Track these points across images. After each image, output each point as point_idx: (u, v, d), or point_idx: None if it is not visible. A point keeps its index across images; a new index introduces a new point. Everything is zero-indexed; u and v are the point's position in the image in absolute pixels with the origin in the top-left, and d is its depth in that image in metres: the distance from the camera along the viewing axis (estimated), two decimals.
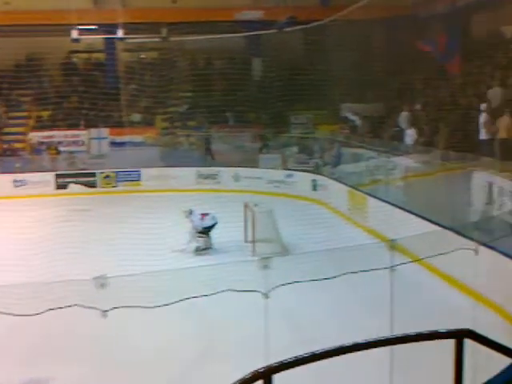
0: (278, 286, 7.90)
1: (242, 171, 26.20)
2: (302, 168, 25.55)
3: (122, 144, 28.92)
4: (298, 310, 11.71)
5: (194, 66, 32.67)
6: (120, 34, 28.07)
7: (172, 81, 28.91)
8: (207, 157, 28.21)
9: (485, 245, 10.64)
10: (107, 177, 27.19)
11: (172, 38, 29.71)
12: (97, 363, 9.63)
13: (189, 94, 30.70)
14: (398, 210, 16.11)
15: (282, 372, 3.74)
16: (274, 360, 3.82)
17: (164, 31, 29.57)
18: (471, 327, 4.51)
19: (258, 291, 7.71)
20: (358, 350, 4.16)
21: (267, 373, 3.77)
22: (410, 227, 14.07)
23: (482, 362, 5.76)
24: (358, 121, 25.93)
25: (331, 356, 4.02)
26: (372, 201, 18.15)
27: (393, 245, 8.35)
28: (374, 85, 25.55)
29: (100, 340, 10.23)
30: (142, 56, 33.70)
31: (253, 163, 26.82)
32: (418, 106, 22.91)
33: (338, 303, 11.94)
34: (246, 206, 17.17)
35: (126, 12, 27.71)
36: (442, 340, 4.40)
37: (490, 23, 24.25)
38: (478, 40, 24.62)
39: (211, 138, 28.73)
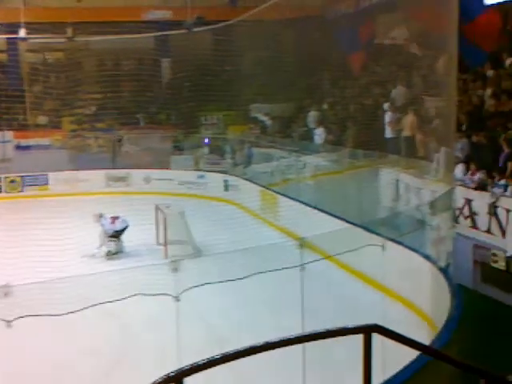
0: (189, 289, 7.81)
1: (153, 173, 25.89)
2: (213, 169, 25.49)
3: (27, 147, 27.96)
4: (210, 311, 11.62)
5: (102, 66, 32.03)
6: (22, 33, 27.17)
7: (79, 82, 28.20)
8: (116, 158, 27.72)
9: (393, 240, 10.90)
10: (13, 181, 26.27)
11: (77, 38, 28.98)
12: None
13: (97, 96, 30.05)
14: (308, 208, 16.33)
15: (195, 374, 3.69)
16: (187, 363, 3.76)
17: (69, 31, 28.80)
18: (381, 322, 4.58)
19: (169, 294, 7.60)
20: (270, 349, 4.15)
21: (179, 376, 3.72)
22: (320, 225, 14.28)
23: (392, 356, 5.88)
24: (268, 121, 26.13)
25: (243, 356, 4.00)
26: (283, 200, 18.32)
27: (302, 243, 8.42)
28: (283, 85, 25.74)
29: (3, 351, 9.81)
30: (46, 57, 32.76)
31: (164, 165, 26.54)
32: (325, 106, 23.28)
33: (250, 303, 11.93)
34: (157, 208, 16.97)
35: (29, 11, 26.90)
36: (354, 335, 4.47)
37: (394, 24, 24.87)
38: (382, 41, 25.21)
39: (122, 140, 28.26)
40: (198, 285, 8.21)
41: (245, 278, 8.47)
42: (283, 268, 8.55)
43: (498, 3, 17.60)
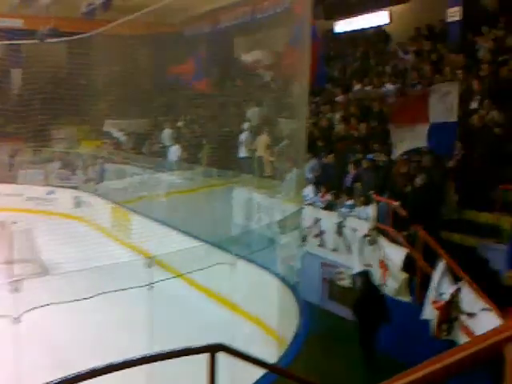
0: (31, 309, 7.44)
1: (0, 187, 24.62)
2: (64, 184, 24.65)
3: None
4: (55, 332, 11.12)
5: None
6: None
7: None
8: None
9: (244, 258, 11.01)
10: None
11: None
12: None
13: None
14: (161, 226, 16.16)
15: None
16: None
17: None
18: (231, 340, 4.57)
19: (8, 316, 7.19)
20: (113, 371, 4.01)
21: None
22: (173, 243, 14.15)
23: (241, 374, 5.88)
24: (122, 137, 25.71)
25: (84, 379, 3.84)
26: (136, 217, 18.02)
27: (152, 261, 8.30)
28: (139, 101, 25.50)
29: None
30: None
31: (11, 179, 25.32)
32: (180, 123, 23.28)
33: (97, 323, 11.54)
34: (1, 224, 16.12)
35: None
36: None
37: (250, 46, 25.43)
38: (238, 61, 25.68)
39: None
40: (42, 305, 7.85)
41: (92, 297, 8.20)
42: (131, 287, 8.36)
43: (347, 31, 18.49)
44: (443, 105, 11.17)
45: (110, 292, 8.46)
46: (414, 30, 18.74)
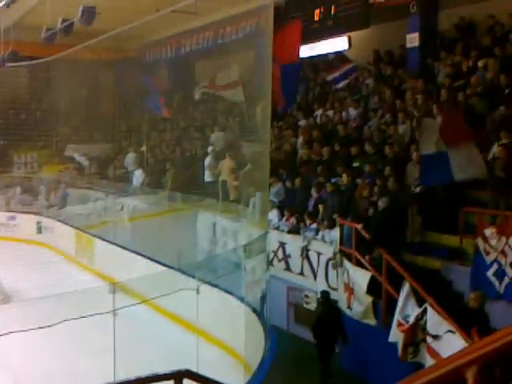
0: None
1: None
2: (26, 210, 24.31)
3: None
4: (17, 361, 10.91)
5: None
6: None
7: None
8: None
9: (209, 283, 10.97)
10: None
11: None
12: None
13: None
14: (125, 251, 16.03)
15: None
16: None
17: None
18: (196, 365, 4.55)
19: None
20: None
21: None
22: (137, 268, 14.05)
23: None
24: (85, 161, 25.50)
25: None
26: (99, 243, 17.85)
27: (116, 287, 8.22)
28: (101, 125, 25.38)
29: None
30: None
31: None
32: (143, 148, 23.19)
33: (60, 351, 11.34)
34: None
35: None
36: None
37: (213, 71, 25.52)
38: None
39: None
40: (4, 333, 7.70)
41: (54, 325, 8.07)
42: (94, 314, 8.25)
43: (309, 57, 18.71)
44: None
45: (73, 319, 8.33)
46: (373, 54, 19.02)
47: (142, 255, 15.12)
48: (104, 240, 17.74)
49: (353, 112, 16.79)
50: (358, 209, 12.76)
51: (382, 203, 11.88)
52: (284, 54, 14.26)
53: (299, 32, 15.14)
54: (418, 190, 12.23)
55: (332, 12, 18.13)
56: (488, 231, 10.23)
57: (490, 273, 10.17)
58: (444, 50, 16.19)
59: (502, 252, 9.96)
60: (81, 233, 19.47)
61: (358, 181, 13.31)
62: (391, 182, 12.50)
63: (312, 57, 19.68)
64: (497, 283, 10.02)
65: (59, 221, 21.80)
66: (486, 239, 10.25)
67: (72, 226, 20.36)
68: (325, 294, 11.61)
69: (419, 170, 11.91)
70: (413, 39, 16.75)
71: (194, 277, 10.71)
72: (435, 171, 11.09)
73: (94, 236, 18.53)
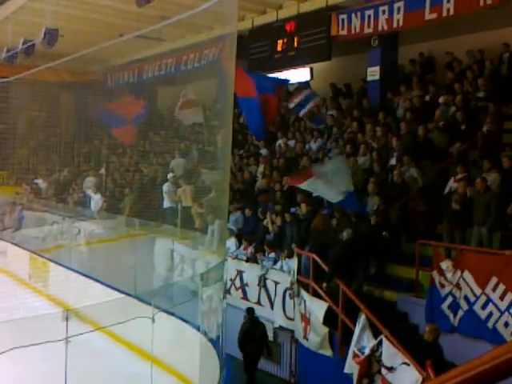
0: None
1: None
2: None
3: None
4: None
5: None
6: None
7: None
8: None
9: (165, 311, 10.85)
10: None
11: None
12: None
13: None
14: (81, 276, 15.78)
15: None
16: None
17: None
18: None
19: None
20: None
21: None
22: (93, 294, 13.83)
23: None
24: (42, 184, 25.16)
25: None
26: (54, 267, 17.54)
27: (70, 314, 8.07)
28: (60, 148, 25.12)
29: None
30: None
31: None
32: (102, 171, 23.00)
33: (12, 379, 11.05)
34: None
35: None
36: None
37: (174, 97, 25.56)
38: (163, 111, 25.76)
39: None
40: None
41: (6, 351, 7.87)
42: (47, 342, 8.08)
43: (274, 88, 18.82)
44: None
45: (25, 346, 8.13)
46: (330, 86, 19.26)
47: (97, 281, 14.89)
48: (59, 264, 17.44)
49: (314, 143, 16.93)
50: (317, 239, 12.80)
51: (346, 234, 11.95)
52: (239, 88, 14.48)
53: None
54: (373, 220, 12.36)
55: (295, 43, 18.37)
56: (444, 264, 10.37)
57: (444, 305, 10.29)
58: (404, 84, 16.49)
59: (457, 285, 10.09)
60: (36, 256, 19.11)
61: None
62: (353, 213, 12.65)
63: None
64: (451, 316, 10.14)
65: (14, 244, 21.38)
66: (441, 272, 10.38)
67: (27, 250, 19.99)
68: (250, 310, 12.30)
69: None
70: (373, 73, 17.04)
71: (150, 304, 10.58)
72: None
73: (50, 260, 18.21)
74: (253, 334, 11.93)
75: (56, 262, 17.77)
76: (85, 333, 9.45)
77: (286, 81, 18.91)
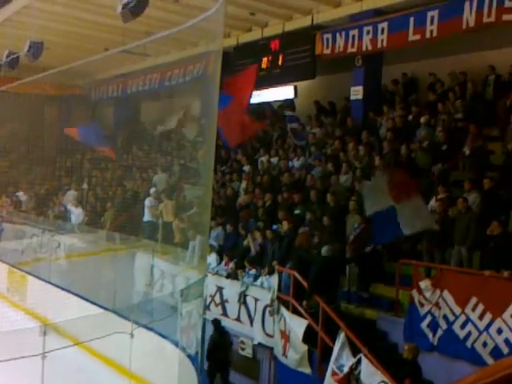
0: None
1: None
2: None
3: None
4: None
5: None
6: None
7: None
8: None
9: (144, 326, 10.77)
10: None
11: None
12: None
13: None
14: (60, 290, 15.63)
15: None
16: None
17: None
18: None
19: None
20: None
21: None
22: (71, 308, 13.71)
23: None
24: (23, 196, 24.98)
25: None
26: (33, 280, 17.37)
27: (48, 328, 7.99)
28: (42, 160, 24.99)
29: None
30: None
31: None
32: (84, 186, 22.91)
33: None
34: None
35: None
36: None
37: (159, 112, 25.61)
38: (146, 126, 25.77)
39: None
40: None
41: None
42: (23, 357, 7.98)
43: (255, 103, 18.91)
44: None
45: (1, 361, 8.03)
46: (314, 104, 19.38)
47: (76, 295, 14.77)
48: (38, 278, 17.28)
49: (297, 160, 16.97)
50: (298, 256, 12.79)
51: (324, 251, 11.95)
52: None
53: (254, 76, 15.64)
54: (351, 238, 12.38)
55: (280, 61, 18.49)
56: (423, 283, 10.41)
57: (423, 324, 10.31)
58: (386, 104, 16.62)
59: (437, 304, 10.13)
60: (14, 269, 18.93)
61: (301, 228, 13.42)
62: (331, 231, 12.67)
63: (258, 103, 19.91)
64: (430, 335, 10.16)
65: None
66: (420, 291, 10.42)
67: (5, 262, 19.79)
68: (216, 321, 12.78)
69: (371, 228, 12.08)
70: (357, 92, 17.17)
71: (129, 319, 10.51)
72: (386, 228, 11.30)
73: (28, 273, 18.04)
74: (221, 344, 12.52)
75: (35, 276, 17.60)
76: (62, 348, 9.35)
77: None
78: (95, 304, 13.70)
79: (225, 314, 13.56)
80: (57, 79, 22.69)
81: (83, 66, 20.02)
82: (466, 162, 12.89)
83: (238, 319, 13.19)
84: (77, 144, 23.75)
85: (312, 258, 12.32)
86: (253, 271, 13.47)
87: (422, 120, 14.68)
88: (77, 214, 20.41)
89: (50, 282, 16.39)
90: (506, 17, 12.87)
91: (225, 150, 20.07)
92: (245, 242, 14.67)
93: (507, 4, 12.76)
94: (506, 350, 9.09)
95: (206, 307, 12.75)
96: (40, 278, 17.14)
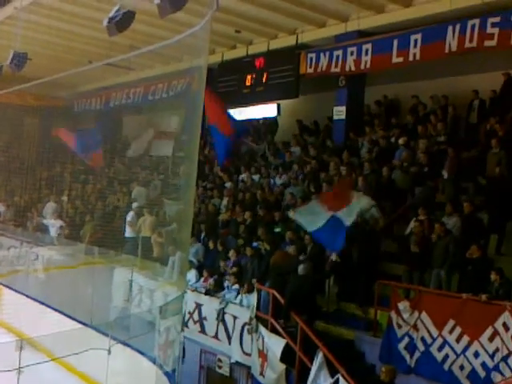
0: None
1: None
2: None
3: None
4: None
5: None
6: None
7: None
8: None
9: (121, 342, 10.69)
10: None
11: None
12: None
13: None
14: (37, 303, 15.49)
15: None
16: None
17: None
18: None
19: None
20: None
21: None
22: (48, 323, 13.58)
23: None
24: (1, 207, 24.75)
25: None
26: (8, 293, 17.18)
27: (24, 343, 7.90)
28: (21, 172, 24.78)
29: None
30: None
31: None
32: (64, 198, 22.75)
33: None
34: None
35: None
36: None
37: (140, 126, 25.54)
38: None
39: None
40: None
41: None
42: None
43: (238, 120, 18.98)
44: None
45: None
46: (296, 123, 19.47)
47: (53, 309, 14.64)
48: (14, 290, 17.10)
49: (279, 179, 16.97)
50: (276, 274, 12.77)
51: (300, 270, 11.96)
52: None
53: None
54: (334, 257, 12.40)
55: (263, 79, 18.56)
56: (401, 305, 10.45)
57: (401, 346, 10.34)
58: (368, 125, 16.73)
59: (415, 326, 10.17)
60: None
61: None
62: (310, 249, 12.70)
63: (241, 121, 19.94)
64: (408, 357, 10.18)
65: None
66: (399, 312, 10.45)
67: None
68: None
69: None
70: (339, 112, 17.27)
71: (106, 335, 10.43)
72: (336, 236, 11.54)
73: (4, 285, 17.85)
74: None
75: (11, 288, 17.42)
76: (38, 363, 9.25)
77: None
78: (72, 318, 13.59)
79: (203, 331, 13.47)
80: (40, 90, 22.57)
81: (67, 78, 19.98)
82: (445, 185, 12.99)
83: (215, 337, 13.11)
84: (57, 156, 23.65)
85: (288, 276, 12.31)
86: (232, 288, 13.41)
87: (401, 141, 14.79)
88: (56, 226, 20.27)
89: (26, 295, 16.22)
90: (487, 43, 13.06)
91: (207, 165, 20.06)
92: (224, 259, 14.58)
93: (489, 30, 12.95)
94: (482, 374, 9.15)
95: (185, 324, 12.68)
96: (16, 291, 16.97)
